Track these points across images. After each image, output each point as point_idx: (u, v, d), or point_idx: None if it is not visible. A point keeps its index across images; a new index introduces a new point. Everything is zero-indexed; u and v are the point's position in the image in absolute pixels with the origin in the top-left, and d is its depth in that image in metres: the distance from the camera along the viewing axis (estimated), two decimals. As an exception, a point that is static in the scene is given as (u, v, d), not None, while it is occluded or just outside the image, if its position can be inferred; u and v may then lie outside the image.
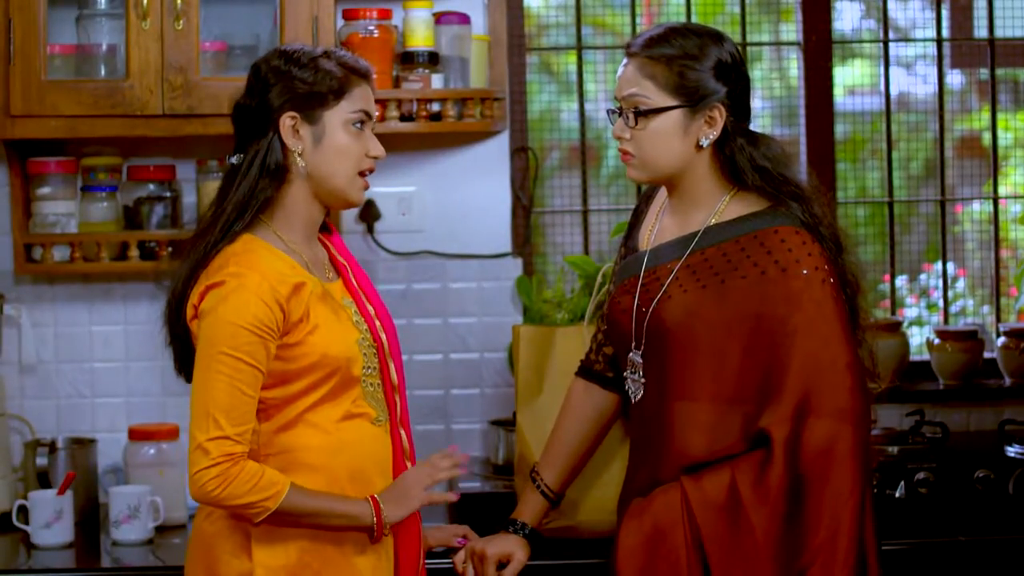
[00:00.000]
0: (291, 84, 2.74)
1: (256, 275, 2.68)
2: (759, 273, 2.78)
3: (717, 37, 2.84)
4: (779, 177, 2.84)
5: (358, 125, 2.78)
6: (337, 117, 2.76)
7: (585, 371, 3.11)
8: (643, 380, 2.87)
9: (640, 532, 2.77)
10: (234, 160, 2.78)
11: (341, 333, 2.76)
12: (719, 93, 2.81)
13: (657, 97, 2.81)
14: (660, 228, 2.94)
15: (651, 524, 2.76)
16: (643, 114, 2.81)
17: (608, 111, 2.90)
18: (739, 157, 2.83)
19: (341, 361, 2.74)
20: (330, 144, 2.76)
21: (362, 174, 2.81)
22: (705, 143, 2.83)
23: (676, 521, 2.74)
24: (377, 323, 2.85)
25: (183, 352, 2.80)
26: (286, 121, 2.74)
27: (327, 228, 2.92)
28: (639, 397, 2.88)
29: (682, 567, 2.73)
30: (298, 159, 2.75)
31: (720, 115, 2.82)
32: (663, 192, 2.99)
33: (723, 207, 2.86)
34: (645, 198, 3.06)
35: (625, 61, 2.85)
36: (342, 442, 2.76)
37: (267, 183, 2.75)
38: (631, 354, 2.89)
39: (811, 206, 2.82)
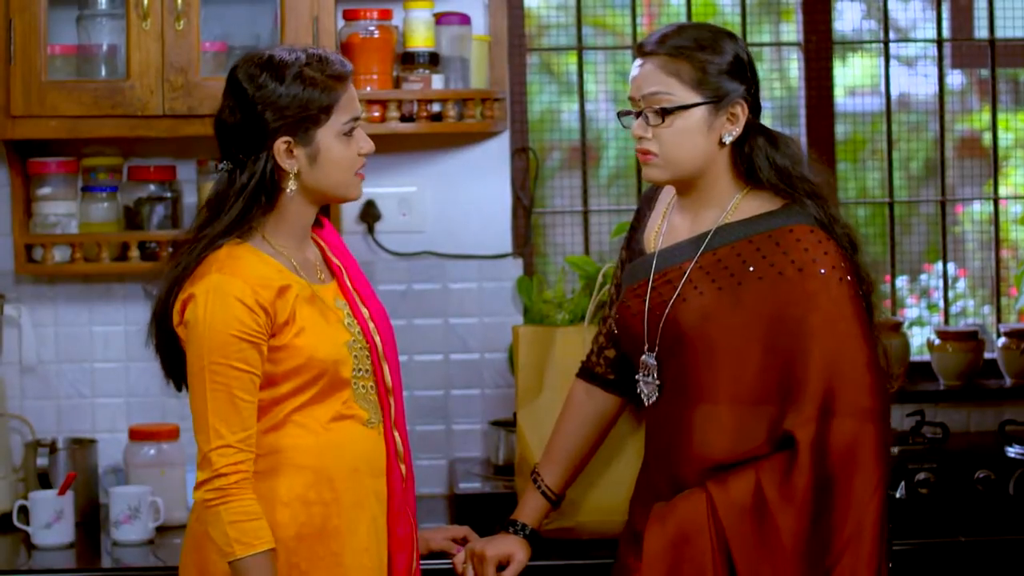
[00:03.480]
0: (281, 111, 2.71)
1: (239, 280, 2.68)
2: (776, 273, 2.77)
3: (731, 35, 2.86)
4: (797, 176, 2.84)
5: (349, 133, 2.78)
6: (329, 132, 2.75)
7: (586, 373, 3.10)
8: (657, 382, 2.86)
9: (664, 536, 2.76)
10: (223, 166, 2.78)
11: (329, 335, 2.76)
12: (740, 90, 2.82)
13: (683, 94, 2.79)
14: (668, 229, 2.93)
15: (675, 528, 2.75)
16: (669, 112, 2.79)
17: (619, 113, 2.88)
18: (758, 155, 2.83)
19: (328, 363, 2.74)
20: (325, 159, 2.75)
21: (357, 173, 2.82)
22: (728, 140, 2.82)
23: (702, 525, 2.73)
24: (371, 325, 2.85)
25: (171, 359, 2.80)
26: (280, 146, 2.73)
27: (318, 222, 2.91)
28: (653, 400, 2.88)
29: (708, 570, 2.72)
30: (293, 179, 2.75)
31: (742, 112, 2.82)
32: (666, 192, 2.98)
33: (735, 205, 2.85)
34: (646, 200, 3.05)
35: (640, 61, 2.83)
36: (331, 443, 2.75)
37: (262, 203, 2.75)
38: (644, 356, 2.88)
39: (826, 205, 2.83)
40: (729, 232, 2.83)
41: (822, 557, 2.69)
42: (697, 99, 2.79)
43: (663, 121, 2.79)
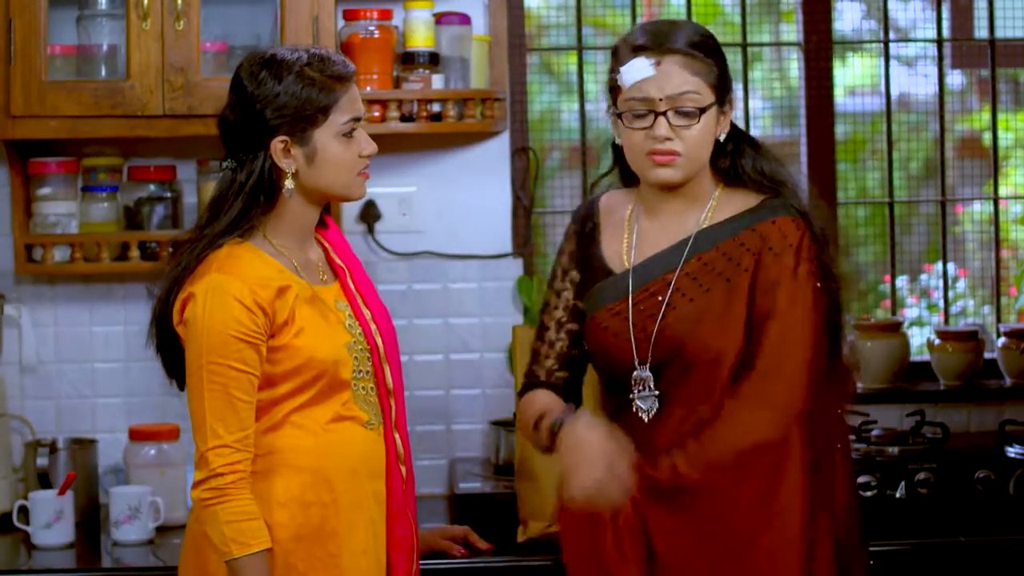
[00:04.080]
0: (279, 109, 2.71)
1: (237, 280, 2.68)
2: (755, 260, 2.78)
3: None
4: (779, 172, 2.86)
5: (348, 133, 2.78)
6: (327, 133, 2.75)
7: (545, 385, 2.98)
8: (656, 393, 2.83)
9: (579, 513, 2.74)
10: (226, 164, 2.78)
11: (328, 336, 2.75)
12: (732, 88, 2.84)
13: (707, 93, 2.79)
14: (639, 239, 2.89)
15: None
16: (704, 111, 2.79)
17: (618, 114, 2.84)
18: (745, 155, 2.85)
19: (327, 364, 2.74)
20: (323, 160, 2.75)
21: (360, 173, 2.81)
22: (723, 137, 2.84)
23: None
24: (373, 326, 2.84)
25: (171, 358, 2.80)
26: (277, 145, 2.73)
27: (323, 222, 2.91)
28: (654, 412, 2.84)
29: (618, 548, 2.71)
30: (291, 179, 2.75)
31: (731, 109, 2.85)
32: (614, 204, 2.93)
33: (714, 204, 2.85)
34: (587, 216, 2.95)
35: (653, 60, 2.78)
36: (330, 444, 2.75)
37: (260, 203, 2.75)
38: (636, 372, 2.83)
39: (800, 194, 2.84)
40: (712, 234, 2.83)
41: (746, 544, 2.68)
42: (712, 99, 2.80)
43: (698, 121, 2.79)
